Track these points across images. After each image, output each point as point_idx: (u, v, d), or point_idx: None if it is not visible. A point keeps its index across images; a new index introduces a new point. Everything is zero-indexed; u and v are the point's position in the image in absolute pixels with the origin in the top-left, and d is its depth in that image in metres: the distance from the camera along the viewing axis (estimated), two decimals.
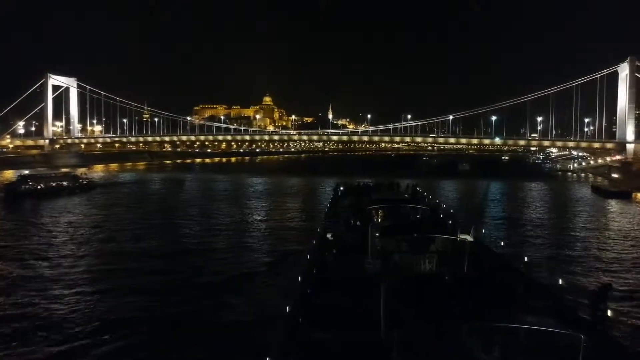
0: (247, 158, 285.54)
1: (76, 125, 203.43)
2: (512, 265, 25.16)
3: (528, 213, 76.42)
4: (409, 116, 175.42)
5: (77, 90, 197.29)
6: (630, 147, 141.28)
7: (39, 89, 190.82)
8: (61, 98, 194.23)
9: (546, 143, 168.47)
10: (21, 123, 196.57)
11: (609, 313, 17.54)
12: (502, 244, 36.04)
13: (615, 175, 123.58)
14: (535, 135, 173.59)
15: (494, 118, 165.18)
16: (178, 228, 60.44)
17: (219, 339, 26.77)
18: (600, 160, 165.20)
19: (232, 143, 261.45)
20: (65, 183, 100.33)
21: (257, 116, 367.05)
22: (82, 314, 30.33)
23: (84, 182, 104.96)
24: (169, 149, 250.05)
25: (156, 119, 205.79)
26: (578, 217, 71.47)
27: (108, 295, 34.01)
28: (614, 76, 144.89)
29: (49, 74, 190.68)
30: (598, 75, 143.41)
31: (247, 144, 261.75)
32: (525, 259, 27.30)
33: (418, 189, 57.98)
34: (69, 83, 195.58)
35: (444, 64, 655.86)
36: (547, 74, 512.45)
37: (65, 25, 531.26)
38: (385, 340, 13.74)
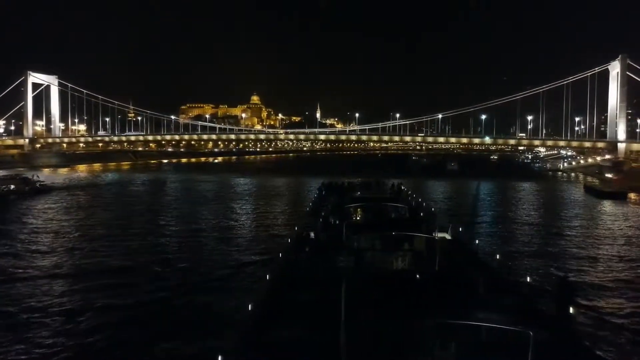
0: (233, 158, 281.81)
1: (57, 124, 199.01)
2: (486, 264, 25.11)
3: (518, 213, 73.57)
4: (398, 115, 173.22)
5: (59, 89, 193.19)
6: (621, 146, 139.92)
7: (22, 88, 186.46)
8: (43, 97, 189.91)
9: (536, 142, 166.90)
10: (0, 122, 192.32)
11: (571, 310, 17.91)
12: (480, 242, 34.86)
13: (608, 175, 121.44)
14: (523, 134, 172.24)
15: (483, 117, 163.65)
16: (144, 237, 53.46)
17: (175, 339, 25.12)
18: (590, 160, 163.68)
19: (219, 142, 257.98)
20: (12, 187, 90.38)
21: (244, 115, 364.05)
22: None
23: (37, 185, 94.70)
24: (154, 148, 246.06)
25: (139, 118, 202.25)
26: (571, 218, 68.56)
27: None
28: (605, 74, 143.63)
29: (28, 72, 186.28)
30: (589, 74, 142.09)
31: (233, 143, 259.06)
32: (498, 256, 28.05)
33: (403, 187, 55.87)
34: (50, 81, 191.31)
35: (429, 64, 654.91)
36: (539, 73, 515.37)
37: (53, 24, 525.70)
38: (342, 339, 13.45)
